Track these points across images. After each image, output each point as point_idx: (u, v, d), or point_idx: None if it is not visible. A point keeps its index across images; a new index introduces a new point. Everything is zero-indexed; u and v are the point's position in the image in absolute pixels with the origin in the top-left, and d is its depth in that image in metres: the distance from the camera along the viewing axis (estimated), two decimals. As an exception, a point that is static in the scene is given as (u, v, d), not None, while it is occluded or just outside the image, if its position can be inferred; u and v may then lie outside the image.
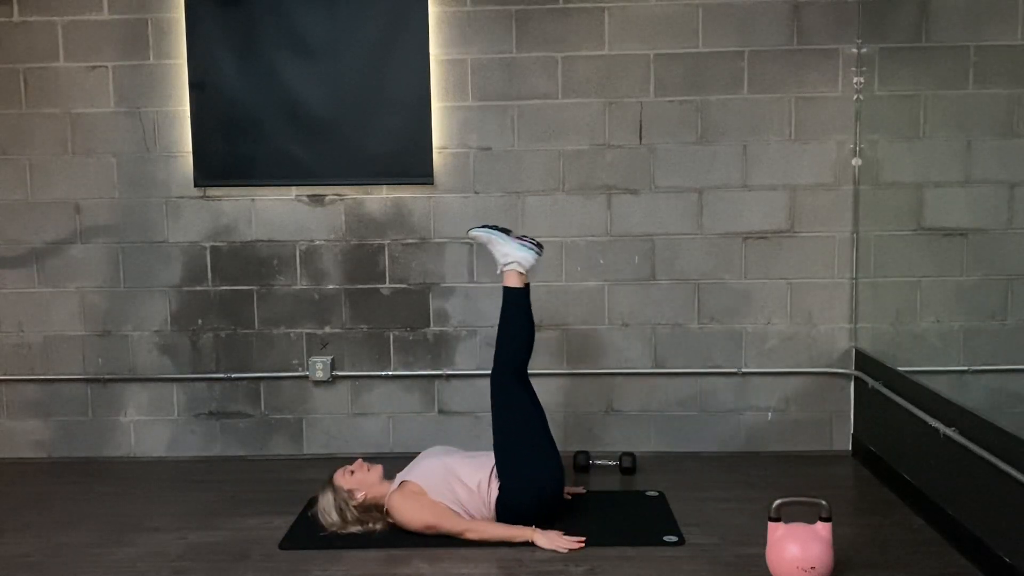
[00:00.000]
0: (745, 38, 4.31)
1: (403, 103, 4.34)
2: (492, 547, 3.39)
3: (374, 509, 3.55)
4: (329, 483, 3.59)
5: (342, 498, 3.53)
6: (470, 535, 3.42)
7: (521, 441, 3.57)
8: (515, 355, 3.71)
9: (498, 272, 3.75)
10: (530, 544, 3.38)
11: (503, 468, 3.52)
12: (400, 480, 3.56)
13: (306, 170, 4.39)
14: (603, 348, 4.48)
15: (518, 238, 3.73)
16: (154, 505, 3.94)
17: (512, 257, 3.68)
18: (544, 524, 3.48)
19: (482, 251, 4.43)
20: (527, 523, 3.46)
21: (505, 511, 3.48)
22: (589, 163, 4.39)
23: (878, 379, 4.07)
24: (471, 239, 3.83)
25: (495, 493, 3.49)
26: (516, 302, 3.70)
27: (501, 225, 3.93)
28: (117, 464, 4.51)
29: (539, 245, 3.73)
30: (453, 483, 3.51)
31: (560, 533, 3.41)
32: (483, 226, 3.78)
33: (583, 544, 3.35)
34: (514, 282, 3.69)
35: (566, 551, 3.29)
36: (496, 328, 3.75)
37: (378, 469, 3.62)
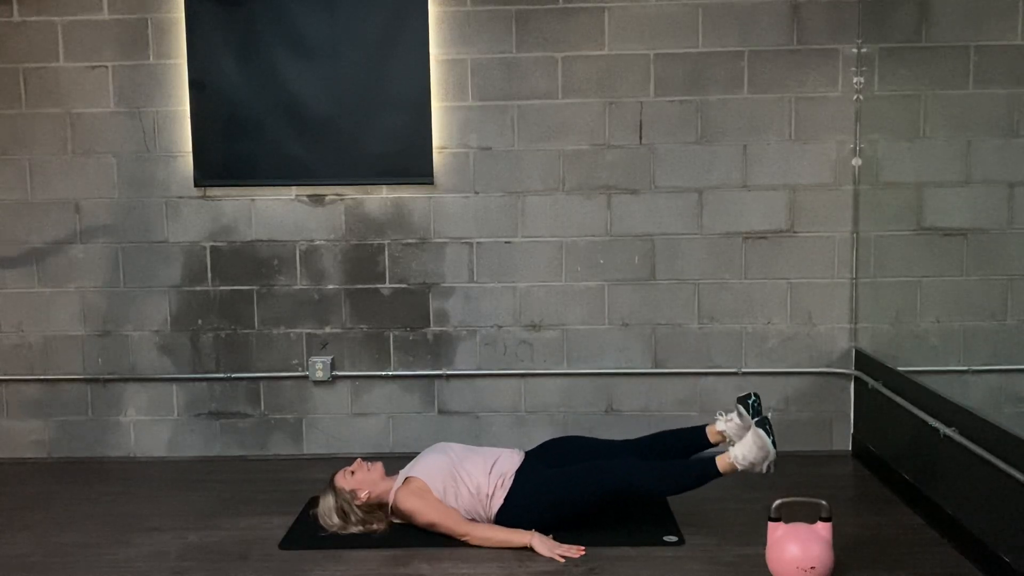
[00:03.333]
0: (745, 38, 4.31)
1: (403, 103, 4.34)
2: (492, 547, 3.39)
3: (378, 508, 3.55)
4: (330, 486, 3.59)
5: (344, 499, 3.53)
6: (470, 539, 3.41)
7: (559, 507, 3.46)
8: (651, 495, 3.55)
9: (721, 430, 3.53)
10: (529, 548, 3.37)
11: (525, 495, 3.47)
12: (404, 476, 3.56)
13: (306, 170, 4.39)
14: (603, 348, 4.48)
15: (770, 433, 3.33)
16: (154, 505, 3.94)
17: (747, 460, 3.33)
18: (546, 529, 3.47)
19: (482, 251, 4.44)
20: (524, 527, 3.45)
21: (503, 518, 3.48)
22: (589, 163, 4.39)
23: (878, 379, 4.07)
24: (756, 433, 3.32)
25: (498, 503, 3.48)
26: (707, 479, 3.43)
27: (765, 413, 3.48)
28: (117, 464, 4.51)
29: (772, 467, 3.35)
30: (456, 481, 3.51)
31: (556, 543, 3.38)
32: (770, 427, 3.33)
33: (583, 552, 3.33)
34: (723, 469, 3.38)
35: (563, 561, 3.28)
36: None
37: (379, 467, 3.62)
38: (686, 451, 3.69)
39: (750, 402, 3.45)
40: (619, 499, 3.51)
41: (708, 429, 3.65)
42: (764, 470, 3.35)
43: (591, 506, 3.48)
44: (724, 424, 3.59)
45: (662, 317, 4.45)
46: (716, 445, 3.63)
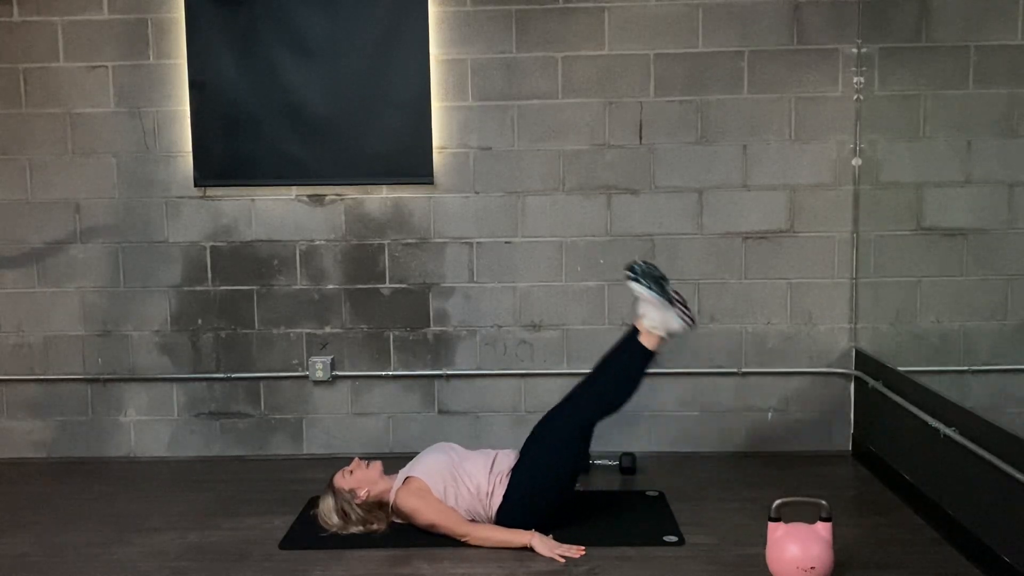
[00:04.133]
0: (745, 38, 4.31)
1: (403, 103, 4.34)
2: (492, 547, 3.39)
3: (377, 506, 3.55)
4: (329, 487, 3.59)
5: (344, 499, 3.53)
6: (470, 540, 3.41)
7: (547, 486, 3.51)
8: (603, 408, 3.57)
9: (636, 320, 3.55)
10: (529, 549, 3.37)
11: (515, 487, 3.49)
12: (404, 476, 3.56)
13: (306, 170, 4.39)
14: (603, 348, 4.46)
15: (678, 302, 3.47)
16: (154, 505, 3.94)
17: (662, 328, 3.46)
18: (545, 527, 3.48)
19: (482, 251, 4.44)
20: (525, 527, 3.46)
21: (503, 517, 3.48)
22: (589, 163, 4.39)
23: (878, 379, 4.07)
24: (629, 287, 3.50)
25: (497, 501, 3.49)
26: (640, 360, 3.52)
27: (658, 273, 3.52)
28: (117, 464, 4.51)
29: (693, 320, 3.51)
30: (456, 481, 3.51)
31: (556, 543, 3.38)
32: (640, 277, 3.45)
33: (583, 552, 3.33)
34: (651, 343, 3.49)
35: (563, 561, 3.28)
36: (590, 375, 3.65)
37: (377, 465, 3.62)
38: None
39: (636, 268, 3.48)
40: (590, 432, 3.55)
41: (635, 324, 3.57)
42: (679, 323, 3.43)
43: (573, 460, 3.53)
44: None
45: (662, 317, 4.45)
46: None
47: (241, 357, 4.52)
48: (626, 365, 3.58)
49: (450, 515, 3.45)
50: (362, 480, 3.56)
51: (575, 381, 4.44)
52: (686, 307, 3.51)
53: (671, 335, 3.51)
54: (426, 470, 3.54)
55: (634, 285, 3.48)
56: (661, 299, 3.45)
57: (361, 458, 3.66)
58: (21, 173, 4.47)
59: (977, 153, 3.40)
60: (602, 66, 4.35)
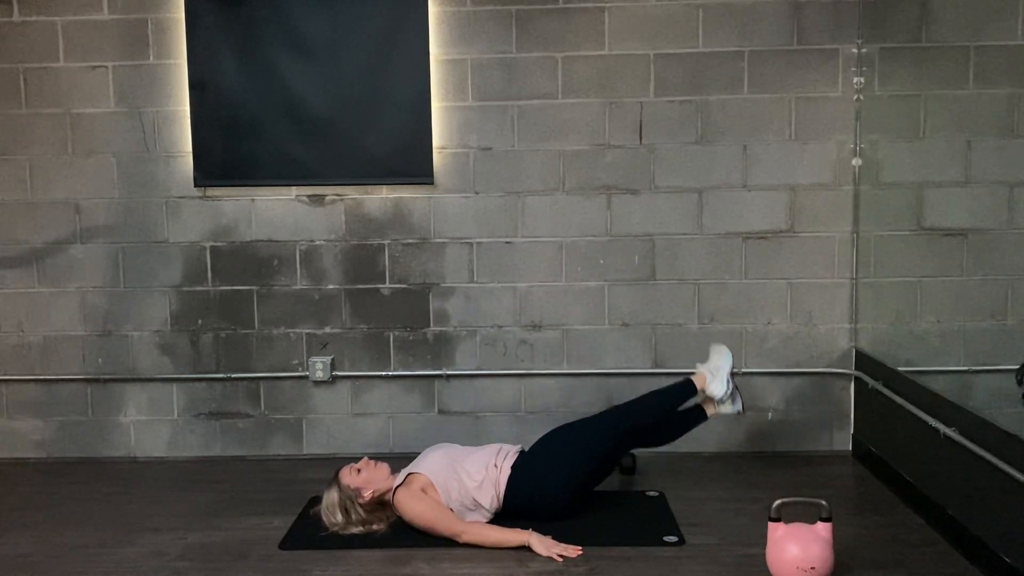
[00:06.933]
0: (745, 38, 4.31)
1: (403, 103, 4.34)
2: (490, 547, 3.39)
3: (380, 508, 3.55)
4: (335, 481, 3.59)
5: (347, 496, 3.53)
6: (466, 537, 3.41)
7: (577, 477, 3.61)
8: (647, 423, 3.83)
9: (703, 371, 3.91)
10: (527, 548, 3.37)
11: (537, 454, 3.61)
12: (407, 473, 3.57)
13: (306, 170, 4.39)
14: (603, 348, 4.48)
15: (736, 389, 3.93)
16: (154, 505, 3.94)
17: (717, 393, 3.87)
18: (545, 523, 3.49)
19: (482, 251, 4.44)
20: (531, 510, 3.50)
21: (513, 490, 3.53)
22: (589, 163, 4.39)
23: (878, 379, 4.07)
24: (714, 361, 3.93)
25: (506, 472, 3.54)
26: (683, 395, 3.87)
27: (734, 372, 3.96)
28: (117, 464, 4.51)
29: (743, 410, 3.97)
30: (459, 475, 3.52)
31: (554, 542, 3.39)
32: (731, 382, 3.92)
33: (580, 552, 3.33)
34: (700, 385, 3.88)
35: (560, 560, 3.28)
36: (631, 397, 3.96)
37: (384, 467, 3.62)
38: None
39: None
40: (627, 439, 3.77)
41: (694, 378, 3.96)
42: (729, 404, 3.90)
43: (600, 455, 3.66)
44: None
45: (662, 317, 4.45)
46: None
47: (241, 357, 4.52)
48: (671, 395, 3.89)
49: (446, 515, 3.46)
50: (368, 480, 3.56)
51: (575, 381, 4.48)
52: (739, 394, 3.97)
53: (715, 396, 3.88)
54: (429, 467, 3.56)
55: (720, 363, 3.93)
56: (731, 383, 3.92)
57: (370, 458, 3.66)
58: (21, 173, 4.47)
59: (977, 153, 3.40)
60: (602, 66, 4.34)
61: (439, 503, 3.47)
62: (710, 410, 3.93)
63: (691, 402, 3.92)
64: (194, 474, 4.35)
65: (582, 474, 3.62)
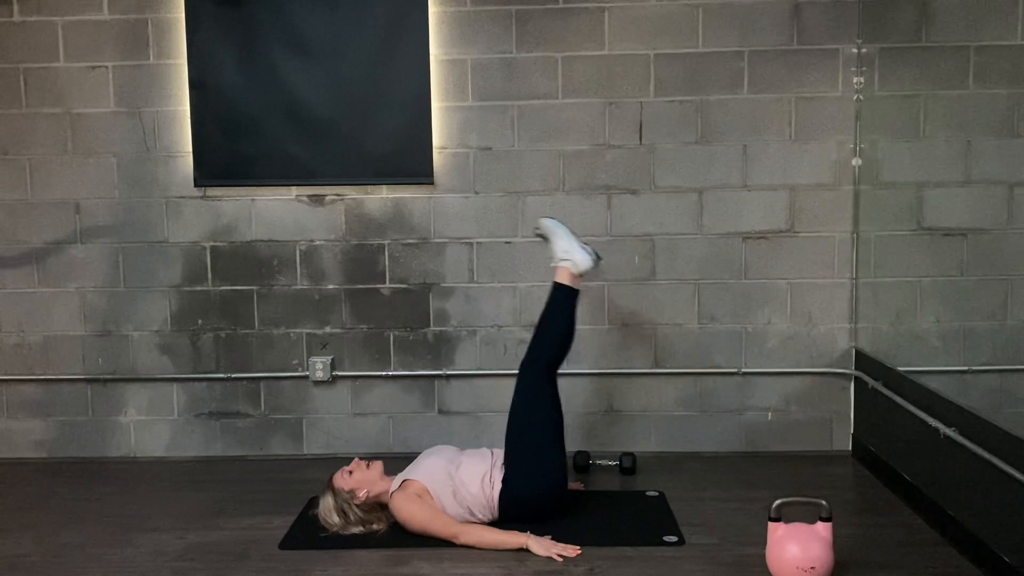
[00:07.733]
0: (745, 38, 4.31)
1: (403, 103, 4.34)
2: (487, 549, 3.38)
3: (377, 507, 3.55)
4: (328, 486, 3.59)
5: (343, 499, 3.53)
6: (463, 539, 3.41)
7: (534, 435, 3.59)
8: (550, 350, 3.71)
9: (551, 265, 3.77)
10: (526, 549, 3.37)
11: (511, 457, 3.56)
12: (402, 479, 3.57)
13: (306, 170, 4.39)
14: (604, 348, 4.48)
15: (581, 243, 3.76)
16: (154, 505, 3.94)
17: (570, 255, 3.72)
18: (545, 523, 3.48)
19: (482, 251, 4.44)
20: (529, 516, 3.48)
21: (507, 503, 3.50)
22: (589, 163, 4.39)
23: (878, 379, 4.07)
24: (538, 227, 3.86)
25: (498, 487, 3.51)
26: (563, 299, 3.73)
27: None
28: (117, 464, 4.51)
29: (599, 257, 3.77)
30: (455, 480, 3.52)
31: (553, 542, 3.38)
32: (554, 217, 3.85)
33: (579, 552, 3.33)
34: (565, 279, 3.72)
35: (560, 560, 3.28)
36: (535, 326, 3.79)
37: (377, 465, 3.62)
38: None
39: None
40: (553, 374, 3.70)
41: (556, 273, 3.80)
42: (583, 255, 3.70)
43: (549, 405, 3.64)
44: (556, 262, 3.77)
45: (662, 317, 4.45)
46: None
47: (241, 357, 4.52)
48: (550, 308, 3.75)
49: (442, 517, 3.46)
50: (362, 481, 3.56)
51: (575, 381, 4.48)
52: (590, 245, 3.78)
53: (578, 266, 3.70)
54: (425, 472, 3.55)
55: (542, 220, 3.83)
56: (565, 229, 3.77)
57: (361, 458, 3.66)
58: (21, 173, 4.47)
59: (977, 153, 3.40)
60: (602, 66, 4.35)
61: (435, 507, 3.48)
62: (577, 283, 3.75)
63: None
64: (194, 474, 4.35)
65: (551, 441, 3.61)
